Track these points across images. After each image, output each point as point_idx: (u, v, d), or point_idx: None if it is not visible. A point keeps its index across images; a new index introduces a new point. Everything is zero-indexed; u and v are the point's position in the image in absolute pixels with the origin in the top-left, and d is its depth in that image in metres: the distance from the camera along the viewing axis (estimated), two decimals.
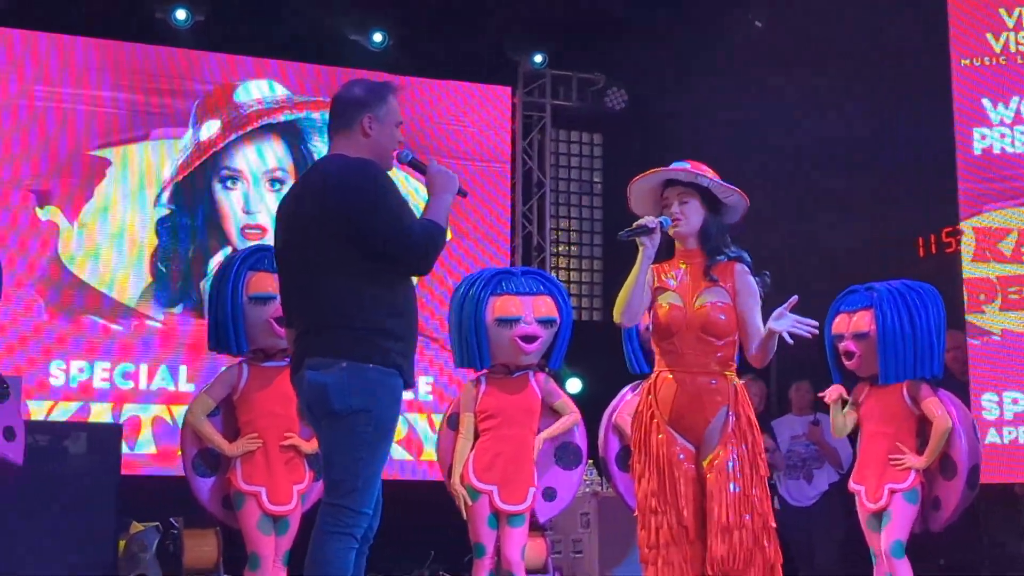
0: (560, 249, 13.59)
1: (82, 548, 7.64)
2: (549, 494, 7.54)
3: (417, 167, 4.97)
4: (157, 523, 8.98)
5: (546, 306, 7.59)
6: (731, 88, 11.46)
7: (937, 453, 7.13)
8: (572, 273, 13.59)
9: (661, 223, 5.34)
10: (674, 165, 5.49)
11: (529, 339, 7.45)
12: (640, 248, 5.29)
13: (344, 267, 4.71)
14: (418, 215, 4.86)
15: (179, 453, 7.33)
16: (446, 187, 4.89)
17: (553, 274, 12.58)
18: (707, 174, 5.44)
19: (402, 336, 4.76)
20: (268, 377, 7.09)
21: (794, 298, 5.27)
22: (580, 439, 7.74)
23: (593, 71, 13.28)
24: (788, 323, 5.24)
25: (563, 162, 13.74)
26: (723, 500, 5.25)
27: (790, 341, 5.29)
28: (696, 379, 5.37)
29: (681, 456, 5.35)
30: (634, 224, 5.33)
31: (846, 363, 7.37)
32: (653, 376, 5.51)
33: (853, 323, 7.32)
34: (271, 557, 6.96)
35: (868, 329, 7.25)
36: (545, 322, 7.55)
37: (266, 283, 7.10)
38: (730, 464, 5.30)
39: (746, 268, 5.46)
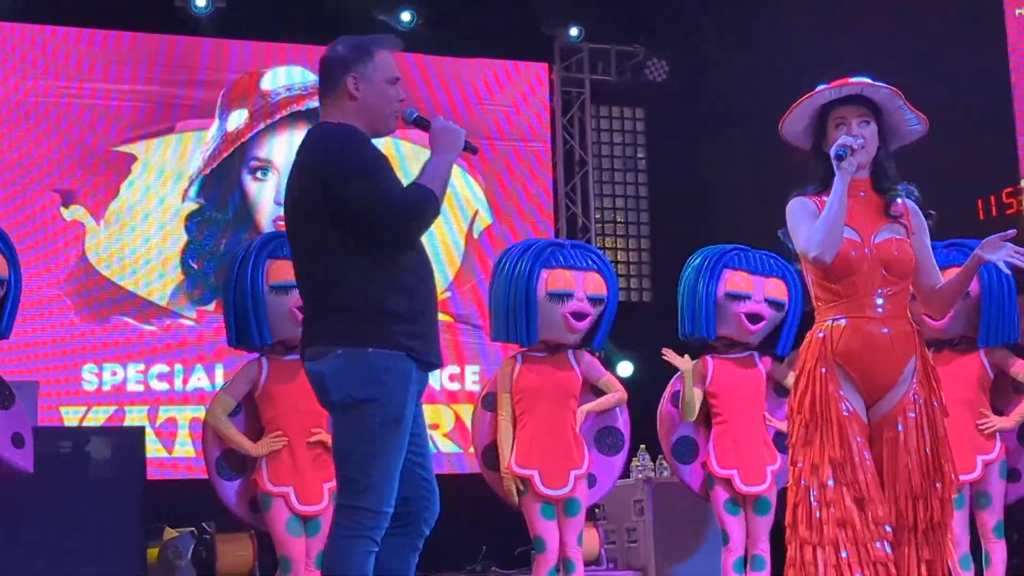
0: (605, 229, 13.20)
1: (107, 556, 7.39)
2: (589, 480, 7.20)
3: (422, 125, 4.49)
4: (192, 528, 8.73)
5: (595, 283, 7.31)
6: (776, 51, 11.05)
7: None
8: (619, 253, 13.23)
9: (860, 144, 4.69)
10: (854, 79, 4.83)
11: (580, 316, 7.18)
12: (838, 172, 4.65)
13: (334, 245, 4.31)
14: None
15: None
16: (448, 145, 4.42)
17: None
18: (900, 95, 4.82)
19: (409, 314, 4.32)
20: (290, 371, 6.77)
21: (1012, 231, 4.75)
22: (623, 424, 7.42)
23: (632, 43, 12.91)
24: (1005, 253, 4.67)
25: (605, 139, 13.39)
26: (909, 460, 4.65)
27: (1007, 271, 4.80)
28: (881, 325, 4.71)
29: (855, 425, 4.68)
30: (838, 143, 4.66)
31: (933, 323, 6.95)
32: (824, 327, 4.79)
33: None
34: (302, 560, 6.70)
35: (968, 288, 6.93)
36: (595, 300, 7.28)
37: (286, 271, 6.72)
38: (916, 420, 4.69)
39: (917, 205, 4.89)
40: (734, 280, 7.31)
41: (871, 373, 4.71)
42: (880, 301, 4.72)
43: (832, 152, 4.66)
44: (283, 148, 11.32)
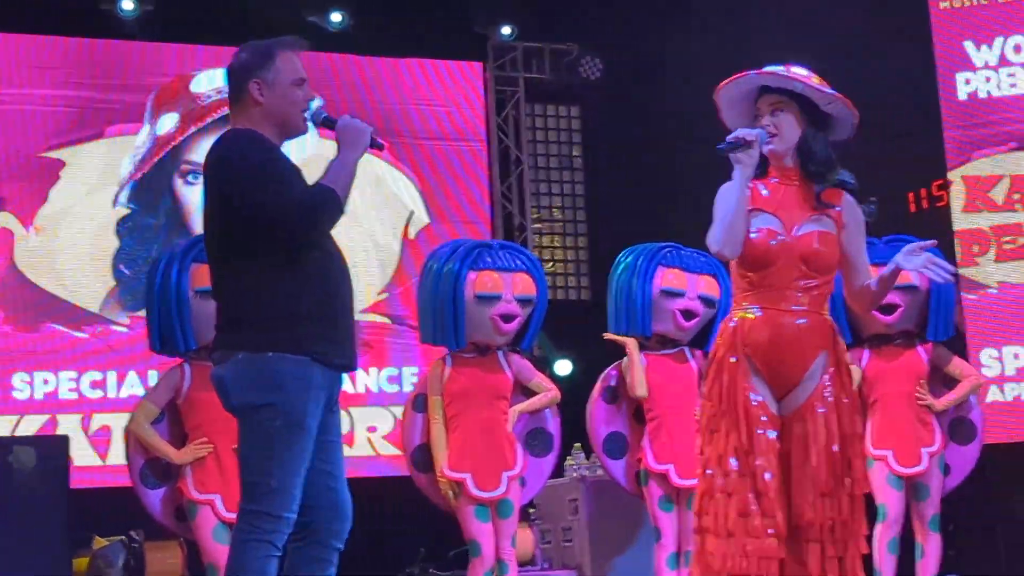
0: (542, 227, 13.16)
1: (31, 567, 7.29)
2: (519, 481, 7.15)
3: (329, 125, 4.46)
4: (122, 537, 8.63)
5: (524, 284, 7.29)
6: (708, 46, 11.04)
7: (959, 401, 7.28)
8: (556, 251, 13.20)
9: (759, 136, 4.61)
10: (766, 68, 4.72)
11: (508, 318, 7.16)
12: (736, 166, 4.59)
13: (239, 251, 4.27)
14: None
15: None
16: (353, 143, 4.38)
17: (536, 254, 12.28)
18: (802, 78, 4.66)
19: (315, 316, 4.28)
20: None
21: (932, 241, 4.70)
22: (553, 426, 7.41)
23: (565, 41, 12.87)
24: (921, 262, 4.60)
25: (540, 137, 13.34)
26: (822, 459, 4.56)
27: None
28: (792, 319, 4.63)
29: (763, 418, 4.60)
30: (728, 137, 4.61)
31: (883, 317, 7.16)
32: (736, 316, 4.74)
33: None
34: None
35: (917, 282, 7.10)
36: (523, 300, 7.25)
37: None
38: (825, 416, 4.60)
39: (852, 197, 4.76)
40: (668, 277, 7.32)
41: (778, 365, 4.64)
42: (798, 295, 4.64)
43: (719, 144, 4.59)
44: None
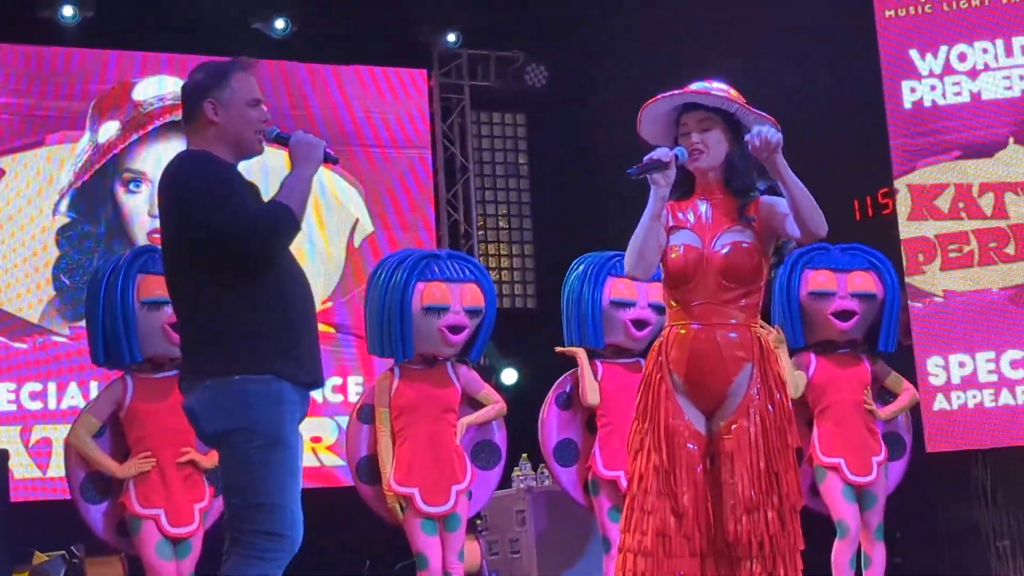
0: (488, 235, 13.10)
1: None
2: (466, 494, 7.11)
3: (282, 141, 4.43)
4: (63, 552, 8.49)
5: (472, 294, 7.24)
6: (653, 53, 11.05)
7: (901, 412, 7.42)
8: (503, 259, 13.13)
9: (676, 155, 4.61)
10: (694, 86, 4.75)
11: (456, 329, 7.11)
12: (653, 187, 4.59)
13: (196, 273, 4.25)
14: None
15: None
16: (306, 158, 4.35)
17: (482, 262, 12.25)
18: (734, 98, 4.69)
19: (274, 335, 4.22)
20: (158, 389, 6.65)
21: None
22: (500, 438, 7.37)
23: (510, 48, 12.81)
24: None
25: (486, 145, 13.25)
26: (745, 474, 4.52)
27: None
28: (716, 332, 4.61)
29: (687, 434, 4.59)
30: (644, 159, 4.59)
31: (838, 324, 7.22)
32: (664, 333, 4.75)
33: (854, 283, 7.21)
34: None
35: (875, 291, 7.21)
36: (472, 312, 7.21)
37: (157, 286, 6.67)
38: (752, 429, 4.57)
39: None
40: (618, 287, 7.30)
41: (701, 380, 4.64)
42: (723, 308, 4.64)
43: (629, 169, 4.58)
44: (157, 159, 11.04)
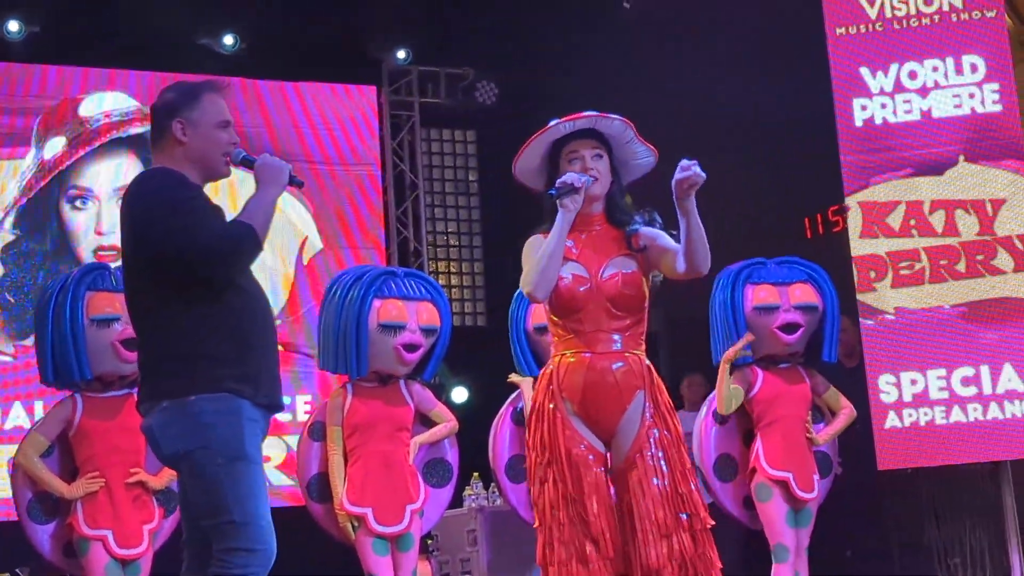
0: (438, 253, 13.05)
1: None
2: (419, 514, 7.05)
3: (248, 164, 4.43)
4: (7, 574, 8.37)
5: (428, 313, 7.21)
6: (603, 71, 11.05)
7: (838, 434, 7.44)
8: (452, 277, 13.09)
9: (586, 182, 4.73)
10: (587, 112, 4.87)
11: (412, 348, 7.07)
12: (561, 211, 4.69)
13: (155, 292, 4.22)
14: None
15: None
16: (271, 180, 4.34)
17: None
18: (632, 127, 4.87)
19: (233, 356, 4.20)
20: (107, 408, 6.58)
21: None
22: (452, 456, 7.32)
23: (461, 65, 12.80)
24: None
25: (436, 162, 13.25)
26: (652, 499, 4.60)
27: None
28: (606, 360, 4.72)
29: (590, 457, 4.68)
30: (557, 183, 4.72)
31: (784, 337, 7.27)
32: (554, 362, 4.83)
33: (796, 295, 7.28)
34: None
35: (817, 302, 7.29)
36: (427, 331, 7.17)
37: (107, 303, 6.62)
38: (653, 457, 4.65)
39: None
40: (387, 310, 7.13)
41: (595, 408, 4.71)
42: (611, 336, 4.74)
43: (551, 190, 4.69)
44: (103, 176, 10.99)
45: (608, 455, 4.77)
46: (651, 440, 4.68)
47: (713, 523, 4.77)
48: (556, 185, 4.71)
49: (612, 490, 4.73)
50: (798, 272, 7.43)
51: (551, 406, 4.76)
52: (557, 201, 4.69)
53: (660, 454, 4.67)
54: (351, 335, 6.92)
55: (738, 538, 8.15)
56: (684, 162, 4.59)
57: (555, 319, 4.84)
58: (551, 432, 4.73)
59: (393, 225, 12.52)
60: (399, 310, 7.05)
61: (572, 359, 4.76)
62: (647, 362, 4.81)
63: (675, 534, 4.60)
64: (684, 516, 4.63)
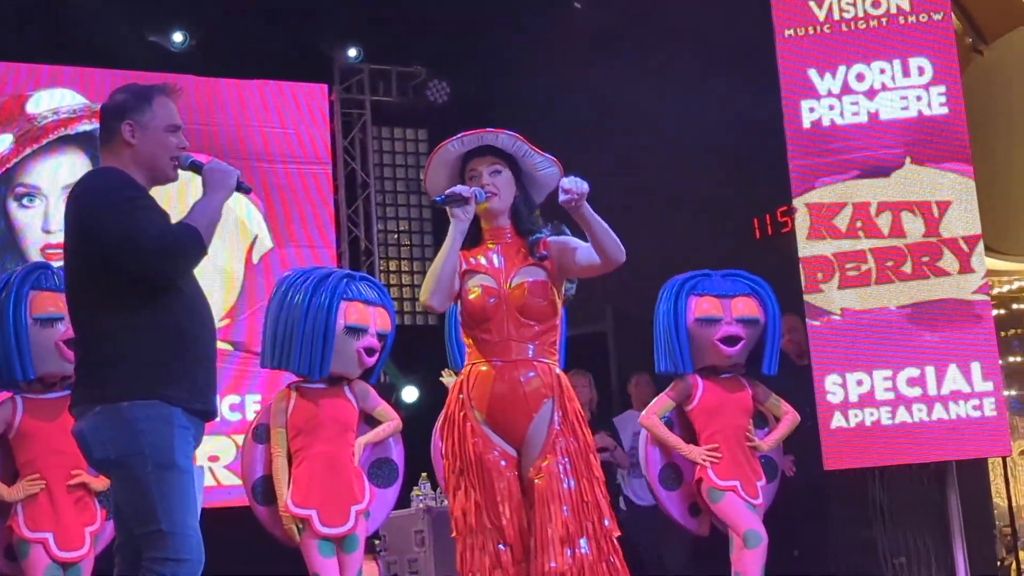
0: (389, 251, 13.01)
1: None
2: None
3: (196, 169, 4.44)
4: None
5: (382, 319, 7.20)
6: (554, 73, 11.05)
7: (782, 440, 7.51)
8: (403, 276, 13.06)
9: (476, 194, 4.83)
10: (486, 130, 4.98)
11: (371, 352, 7.10)
12: (453, 220, 4.80)
13: (94, 293, 4.21)
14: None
15: None
16: (219, 185, 4.35)
17: (383, 278, 12.21)
18: (525, 142, 4.94)
19: (169, 361, 4.20)
20: (48, 409, 6.52)
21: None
22: (398, 455, 7.29)
23: (412, 64, 12.77)
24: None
25: (387, 160, 13.22)
26: (558, 506, 4.68)
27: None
28: (515, 369, 4.81)
29: (503, 463, 4.76)
30: (446, 192, 4.83)
31: (725, 349, 7.34)
32: (465, 371, 4.92)
33: (738, 308, 7.34)
34: None
35: (759, 316, 7.35)
36: (381, 336, 7.17)
37: (51, 302, 6.57)
38: (561, 466, 4.73)
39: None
40: (352, 312, 7.12)
41: (503, 416, 4.79)
42: (521, 345, 4.83)
43: (437, 197, 4.82)
44: (51, 173, 10.88)
45: (518, 467, 4.83)
46: (558, 449, 4.75)
47: (619, 533, 4.85)
48: (445, 193, 4.82)
49: (519, 494, 4.79)
50: (742, 285, 7.49)
51: (461, 415, 4.85)
52: (448, 210, 4.79)
53: (567, 462, 4.74)
54: (318, 335, 6.85)
55: (686, 538, 8.15)
56: (564, 183, 4.72)
57: (466, 329, 4.93)
58: (461, 441, 4.81)
59: (344, 224, 12.48)
60: (361, 313, 7.05)
61: (483, 368, 4.84)
62: (558, 371, 4.91)
63: (576, 543, 4.67)
64: (588, 524, 4.71)
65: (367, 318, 7.05)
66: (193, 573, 4.13)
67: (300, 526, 6.77)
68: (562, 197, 4.69)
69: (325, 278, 7.06)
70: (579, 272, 4.92)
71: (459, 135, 4.98)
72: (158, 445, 4.12)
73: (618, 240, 4.75)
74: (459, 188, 4.82)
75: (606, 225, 4.74)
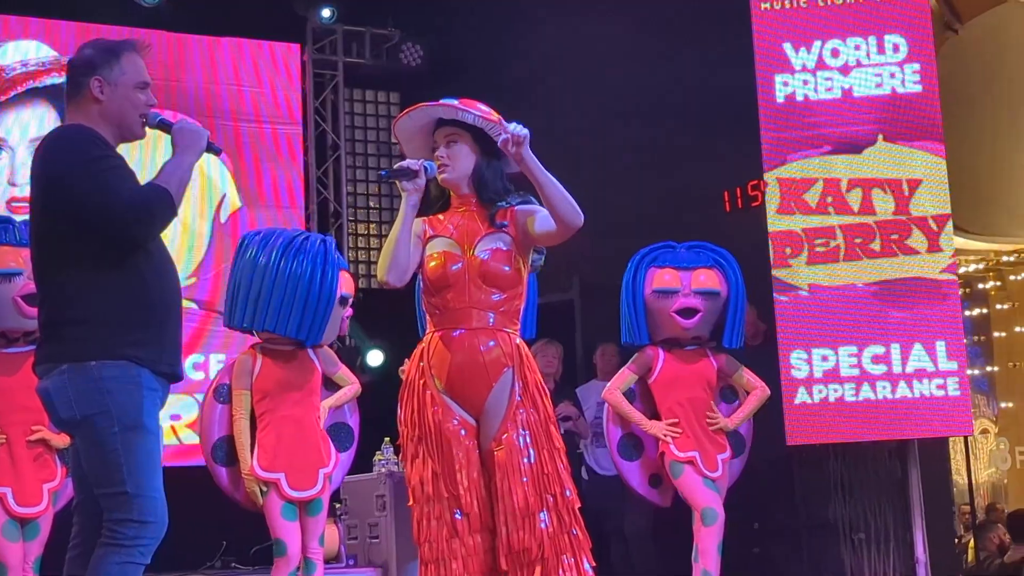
0: (358, 214, 12.94)
1: None
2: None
3: (165, 128, 4.38)
4: None
5: (347, 283, 7.17)
6: (528, 38, 11.01)
7: (749, 417, 7.49)
8: (372, 239, 12.98)
9: (425, 168, 4.80)
10: (442, 101, 4.91)
11: (350, 319, 7.26)
12: (404, 195, 4.77)
13: (61, 252, 4.14)
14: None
15: None
16: (189, 146, 4.30)
17: (351, 241, 12.18)
18: (475, 110, 4.84)
19: (136, 322, 4.15)
20: (9, 364, 6.49)
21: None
22: (353, 420, 7.30)
23: (386, 26, 12.68)
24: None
25: (359, 123, 13.08)
26: (518, 479, 4.67)
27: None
28: (475, 337, 4.77)
29: (462, 432, 4.73)
30: (395, 165, 4.82)
31: (681, 321, 7.32)
32: (426, 339, 4.86)
33: (698, 280, 7.31)
34: (19, 566, 6.39)
35: (719, 288, 7.32)
36: (345, 298, 7.10)
37: (10, 257, 6.49)
38: (521, 437, 4.71)
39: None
40: (344, 282, 7.16)
41: (462, 386, 4.76)
42: (482, 313, 4.80)
43: (383, 171, 4.82)
44: (18, 126, 10.77)
45: (477, 436, 4.81)
46: (518, 420, 4.73)
47: (580, 504, 4.84)
48: (394, 168, 4.81)
49: (479, 464, 4.78)
50: (705, 257, 7.48)
51: (421, 383, 4.80)
52: (397, 184, 4.78)
53: (527, 434, 4.73)
54: (323, 303, 6.77)
55: (647, 506, 8.16)
56: (506, 126, 4.68)
57: (427, 297, 4.89)
58: (420, 408, 4.77)
59: (313, 185, 12.40)
60: (348, 282, 7.12)
61: (443, 336, 4.79)
62: (518, 341, 4.87)
63: (536, 515, 4.67)
64: (549, 497, 4.70)
65: (350, 286, 7.09)
66: (157, 535, 4.09)
67: (264, 489, 6.72)
68: (500, 137, 4.66)
69: (305, 241, 6.93)
70: (537, 239, 4.87)
71: (407, 110, 4.95)
72: (125, 406, 4.08)
73: (573, 202, 4.70)
74: (407, 162, 4.80)
75: (558, 183, 4.70)
